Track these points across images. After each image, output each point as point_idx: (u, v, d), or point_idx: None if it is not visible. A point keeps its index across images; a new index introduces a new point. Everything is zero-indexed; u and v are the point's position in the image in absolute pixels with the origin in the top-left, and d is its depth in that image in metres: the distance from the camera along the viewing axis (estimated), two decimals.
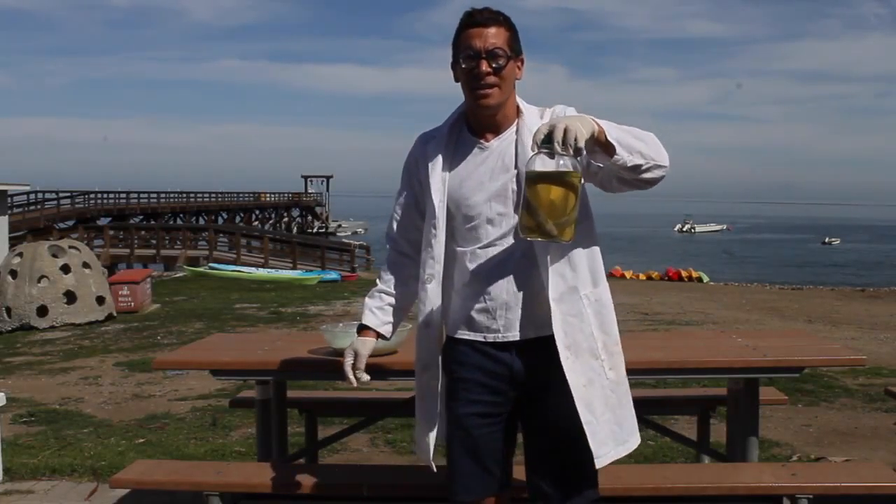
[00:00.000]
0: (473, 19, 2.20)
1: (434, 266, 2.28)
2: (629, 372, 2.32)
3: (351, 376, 2.33)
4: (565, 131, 1.95)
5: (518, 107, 2.29)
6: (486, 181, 2.25)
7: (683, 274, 28.11)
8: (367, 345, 2.37)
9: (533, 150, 2.01)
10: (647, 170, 2.11)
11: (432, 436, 2.35)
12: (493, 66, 2.18)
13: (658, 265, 33.05)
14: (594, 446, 2.18)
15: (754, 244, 64.63)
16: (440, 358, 2.34)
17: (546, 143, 1.96)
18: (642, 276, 27.65)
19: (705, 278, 27.60)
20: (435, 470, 2.37)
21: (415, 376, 2.43)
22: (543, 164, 2.00)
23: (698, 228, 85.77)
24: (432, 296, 2.30)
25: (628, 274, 27.83)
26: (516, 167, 2.22)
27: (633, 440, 2.30)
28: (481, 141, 2.28)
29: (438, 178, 2.28)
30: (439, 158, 2.29)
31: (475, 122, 2.30)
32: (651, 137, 2.14)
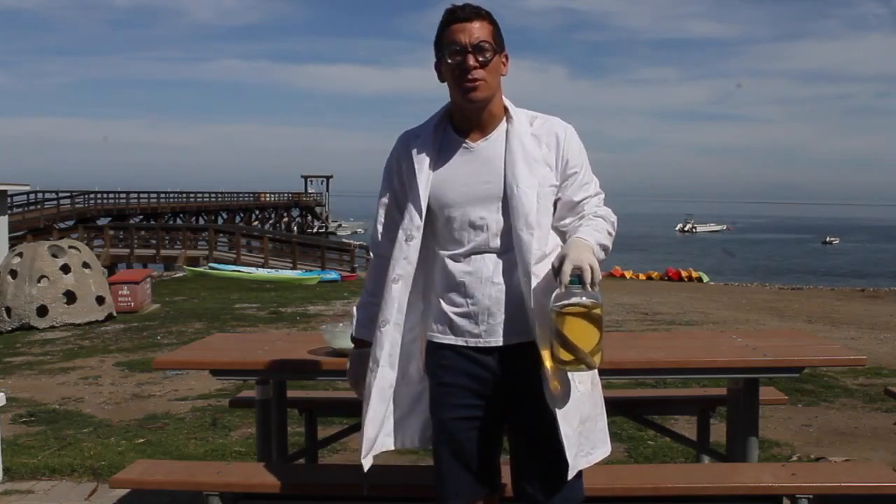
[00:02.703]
0: (456, 15, 2.19)
1: (405, 267, 2.25)
2: (629, 372, 2.32)
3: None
4: (592, 271, 2.06)
5: (506, 108, 2.26)
6: (470, 183, 2.22)
7: (683, 274, 28.13)
8: (364, 358, 2.35)
9: (561, 290, 2.07)
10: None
11: (370, 435, 2.30)
12: (480, 59, 2.16)
13: (658, 265, 33.06)
14: (570, 457, 2.16)
15: (754, 244, 64.63)
16: (390, 359, 2.28)
17: (573, 283, 2.07)
18: (642, 276, 27.66)
19: (705, 278, 27.62)
20: (365, 470, 2.32)
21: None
22: (571, 299, 2.06)
23: (699, 228, 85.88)
24: (397, 296, 2.26)
25: (628, 274, 27.84)
26: (504, 173, 2.20)
27: (597, 452, 2.28)
28: (466, 141, 2.25)
29: (422, 177, 2.24)
30: (423, 157, 2.25)
31: (461, 121, 2.26)
32: (613, 223, 2.29)
